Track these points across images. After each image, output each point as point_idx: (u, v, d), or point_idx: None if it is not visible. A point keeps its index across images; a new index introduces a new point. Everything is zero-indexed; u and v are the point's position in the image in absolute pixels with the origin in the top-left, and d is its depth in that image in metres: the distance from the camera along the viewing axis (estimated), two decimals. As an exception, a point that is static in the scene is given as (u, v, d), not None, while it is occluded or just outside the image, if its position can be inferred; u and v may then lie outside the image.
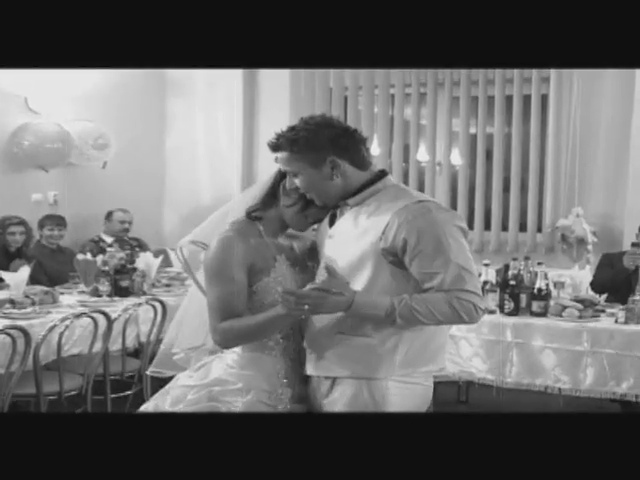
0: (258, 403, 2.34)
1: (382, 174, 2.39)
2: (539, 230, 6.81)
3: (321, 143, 2.29)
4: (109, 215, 6.59)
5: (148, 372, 2.68)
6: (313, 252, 2.49)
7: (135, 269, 5.26)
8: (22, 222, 5.66)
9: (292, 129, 2.34)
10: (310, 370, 2.39)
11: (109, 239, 6.43)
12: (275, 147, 2.36)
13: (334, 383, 2.34)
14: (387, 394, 2.30)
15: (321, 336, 2.34)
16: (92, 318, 4.36)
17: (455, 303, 2.20)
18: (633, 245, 5.21)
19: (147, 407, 2.49)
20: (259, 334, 2.35)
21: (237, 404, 2.34)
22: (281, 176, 2.44)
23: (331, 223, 2.42)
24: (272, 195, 2.44)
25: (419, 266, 2.23)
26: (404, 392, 2.33)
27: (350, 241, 2.32)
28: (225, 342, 2.36)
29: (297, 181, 2.36)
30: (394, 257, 2.26)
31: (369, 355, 2.30)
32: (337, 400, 2.32)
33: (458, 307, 2.20)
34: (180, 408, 2.37)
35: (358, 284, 2.28)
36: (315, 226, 2.53)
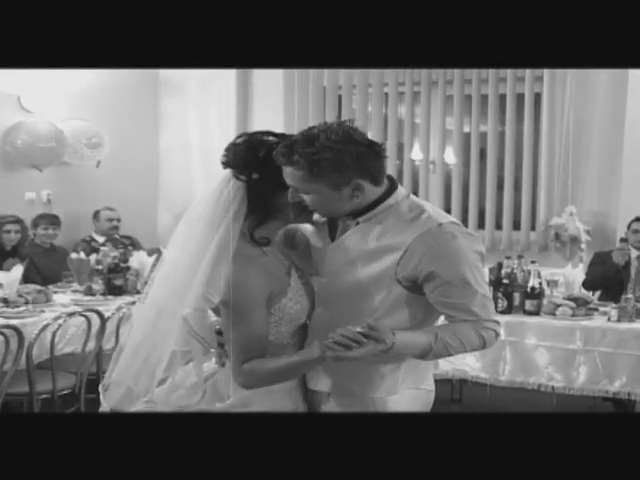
0: None
1: (392, 186, 2.20)
2: (533, 228, 6.83)
3: (346, 165, 2.05)
4: (96, 214, 6.58)
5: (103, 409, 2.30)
6: (289, 240, 2.31)
7: (129, 268, 5.27)
8: (18, 221, 5.67)
9: (310, 144, 2.03)
10: (310, 384, 2.28)
11: (101, 238, 6.43)
12: (288, 161, 2.06)
13: (330, 395, 2.26)
14: (385, 406, 2.22)
15: None
16: (85, 317, 4.36)
17: (484, 333, 2.15)
18: (622, 240, 5.25)
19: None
20: (283, 378, 2.18)
21: None
22: (258, 189, 2.14)
23: (330, 229, 2.29)
24: (264, 210, 2.18)
25: (443, 295, 2.13)
26: (404, 400, 2.25)
27: (359, 261, 2.17)
28: (247, 384, 2.16)
29: (307, 198, 2.11)
30: (411, 283, 2.15)
31: (370, 373, 2.21)
32: (332, 410, 2.25)
33: (486, 337, 2.16)
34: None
35: (369, 306, 2.17)
36: None
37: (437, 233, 2.12)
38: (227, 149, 2.20)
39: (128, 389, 2.22)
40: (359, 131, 2.10)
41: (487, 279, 4.82)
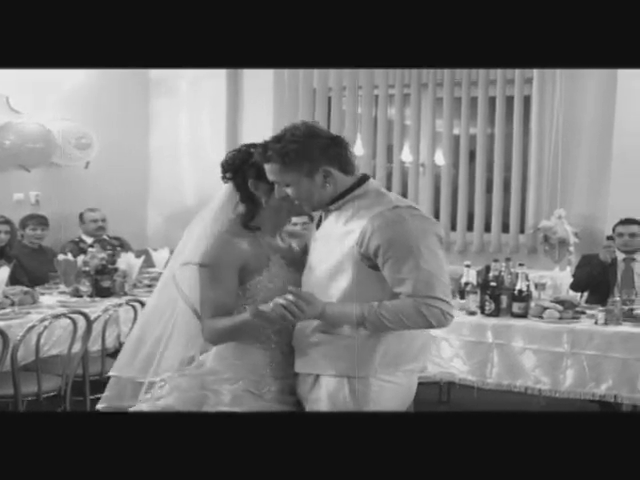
0: (245, 392, 2.45)
1: (364, 179, 2.44)
2: (522, 231, 6.84)
3: (313, 153, 2.33)
4: (81, 216, 6.55)
5: (99, 407, 2.64)
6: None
7: (116, 269, 5.24)
8: (7, 221, 5.62)
9: (278, 141, 2.35)
10: (297, 367, 2.47)
11: (89, 239, 6.41)
12: (265, 159, 2.38)
13: (317, 379, 2.41)
14: (368, 391, 2.37)
15: (305, 335, 2.42)
16: (71, 319, 4.34)
17: (424, 309, 2.27)
18: (608, 238, 5.27)
19: (146, 397, 2.55)
20: (233, 336, 2.47)
21: (225, 392, 2.45)
22: (237, 185, 2.52)
23: (318, 226, 2.50)
24: (252, 202, 2.52)
25: (390, 270, 2.30)
26: (385, 390, 2.39)
27: (331, 245, 2.39)
28: (211, 339, 2.49)
29: (289, 190, 2.39)
30: (370, 261, 2.33)
31: (350, 354, 2.36)
32: (320, 396, 2.40)
33: (427, 313, 2.28)
34: (175, 395, 2.48)
35: (339, 287, 2.36)
36: (295, 219, 2.71)
37: (389, 214, 2.32)
38: None
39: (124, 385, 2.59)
40: (320, 127, 2.41)
41: (475, 281, 4.84)
